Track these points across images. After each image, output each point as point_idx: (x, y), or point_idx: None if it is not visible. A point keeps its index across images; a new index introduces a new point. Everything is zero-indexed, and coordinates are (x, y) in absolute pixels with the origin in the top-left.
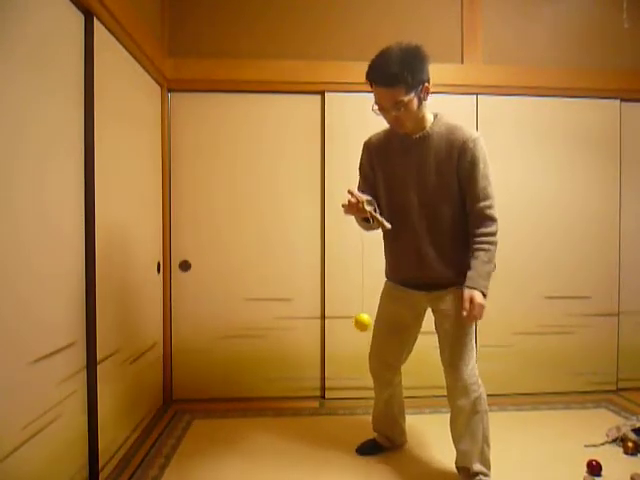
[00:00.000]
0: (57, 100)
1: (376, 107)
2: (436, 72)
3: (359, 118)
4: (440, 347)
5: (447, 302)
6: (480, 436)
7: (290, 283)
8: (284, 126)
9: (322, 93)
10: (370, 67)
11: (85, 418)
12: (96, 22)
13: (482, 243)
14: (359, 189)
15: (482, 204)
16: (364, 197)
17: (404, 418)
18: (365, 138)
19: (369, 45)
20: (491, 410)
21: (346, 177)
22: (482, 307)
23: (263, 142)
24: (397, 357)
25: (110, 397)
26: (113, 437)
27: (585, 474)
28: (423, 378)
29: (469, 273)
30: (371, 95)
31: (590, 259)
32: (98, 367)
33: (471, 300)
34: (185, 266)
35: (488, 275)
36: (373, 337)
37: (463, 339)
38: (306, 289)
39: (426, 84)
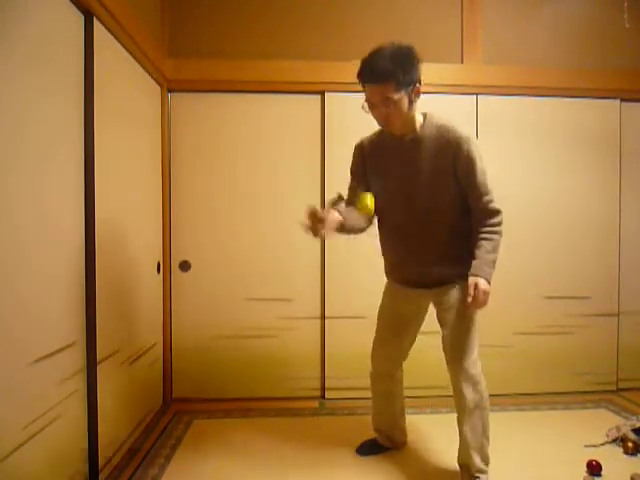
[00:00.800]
0: (57, 100)
1: (366, 105)
2: (436, 72)
3: (359, 118)
4: (443, 340)
5: (450, 295)
6: (480, 429)
7: (290, 283)
8: (284, 126)
9: (322, 93)
10: (361, 64)
11: (85, 418)
12: (96, 22)
13: (486, 233)
14: (350, 190)
15: (485, 199)
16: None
17: (404, 418)
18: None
19: (369, 45)
20: (491, 410)
21: (346, 177)
22: (487, 294)
23: (263, 142)
24: (400, 350)
25: (110, 397)
26: (113, 437)
27: (585, 474)
28: (423, 378)
29: (473, 262)
30: None
31: (590, 259)
32: (98, 367)
33: (475, 287)
34: (185, 266)
35: (492, 263)
36: (376, 332)
37: (466, 332)
38: (306, 289)
39: (417, 85)
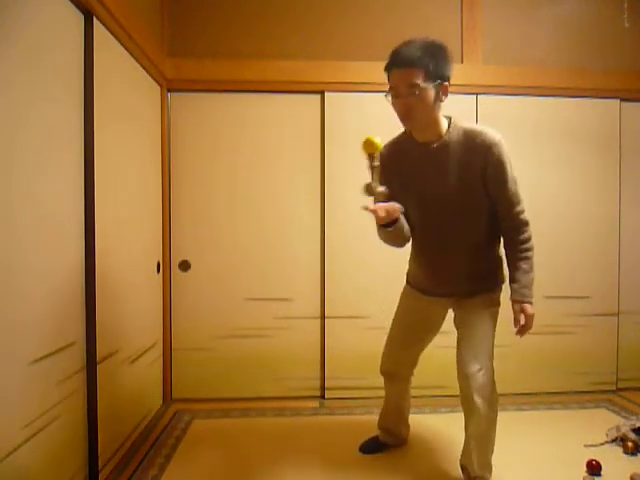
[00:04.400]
0: (56, 100)
1: (390, 96)
2: None
3: (359, 118)
4: (459, 344)
5: (472, 302)
6: (486, 437)
7: (290, 283)
8: (284, 126)
9: (322, 93)
10: (391, 53)
11: (85, 418)
12: (96, 22)
13: (522, 252)
14: None
15: (517, 209)
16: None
17: (409, 413)
18: (364, 138)
19: (369, 45)
20: None
21: (346, 177)
22: (533, 318)
23: (263, 142)
24: (415, 355)
25: (110, 397)
26: (113, 437)
27: (585, 474)
28: (423, 378)
29: (513, 285)
30: (370, 95)
31: (590, 259)
32: (98, 367)
33: (522, 312)
34: (185, 266)
35: (532, 283)
36: (391, 335)
37: (485, 338)
38: (306, 289)
39: (446, 83)
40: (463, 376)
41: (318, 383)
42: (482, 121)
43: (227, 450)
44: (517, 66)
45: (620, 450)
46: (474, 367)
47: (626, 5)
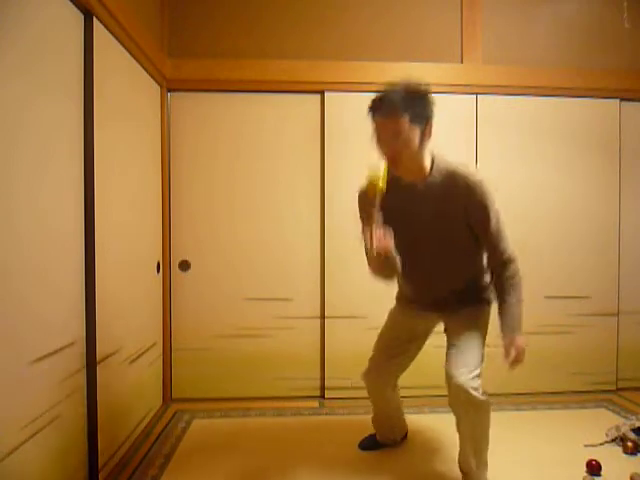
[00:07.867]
0: (56, 100)
1: (374, 138)
2: (436, 72)
3: (359, 117)
4: (448, 352)
5: (461, 314)
6: (482, 439)
7: (290, 283)
8: (284, 126)
9: (322, 93)
10: (373, 100)
11: (85, 418)
12: (96, 22)
13: (509, 286)
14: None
15: (501, 247)
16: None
17: (403, 415)
18: (365, 138)
19: (369, 44)
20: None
21: (345, 177)
22: (524, 350)
23: (263, 142)
24: (397, 371)
25: (110, 397)
26: (113, 437)
27: (585, 474)
28: (423, 378)
29: (503, 320)
30: (370, 95)
31: (590, 259)
32: (98, 367)
33: (512, 344)
34: (185, 266)
35: (520, 316)
36: (377, 347)
37: (474, 347)
38: (306, 289)
39: (430, 124)
40: (453, 382)
41: (318, 383)
42: (482, 121)
43: (227, 450)
44: (517, 66)
45: (620, 450)
46: (464, 373)
47: (626, 5)
